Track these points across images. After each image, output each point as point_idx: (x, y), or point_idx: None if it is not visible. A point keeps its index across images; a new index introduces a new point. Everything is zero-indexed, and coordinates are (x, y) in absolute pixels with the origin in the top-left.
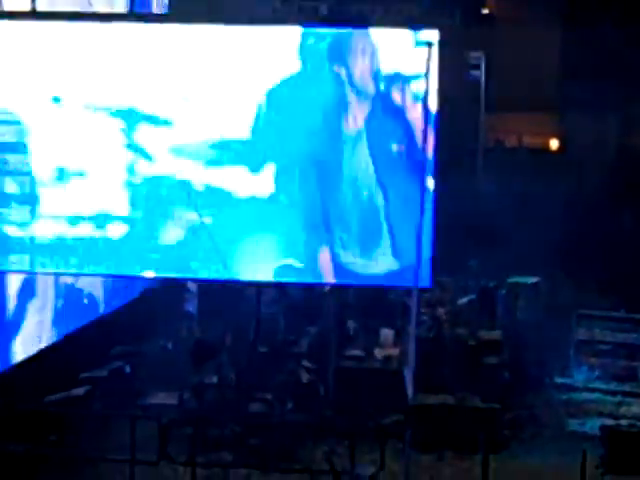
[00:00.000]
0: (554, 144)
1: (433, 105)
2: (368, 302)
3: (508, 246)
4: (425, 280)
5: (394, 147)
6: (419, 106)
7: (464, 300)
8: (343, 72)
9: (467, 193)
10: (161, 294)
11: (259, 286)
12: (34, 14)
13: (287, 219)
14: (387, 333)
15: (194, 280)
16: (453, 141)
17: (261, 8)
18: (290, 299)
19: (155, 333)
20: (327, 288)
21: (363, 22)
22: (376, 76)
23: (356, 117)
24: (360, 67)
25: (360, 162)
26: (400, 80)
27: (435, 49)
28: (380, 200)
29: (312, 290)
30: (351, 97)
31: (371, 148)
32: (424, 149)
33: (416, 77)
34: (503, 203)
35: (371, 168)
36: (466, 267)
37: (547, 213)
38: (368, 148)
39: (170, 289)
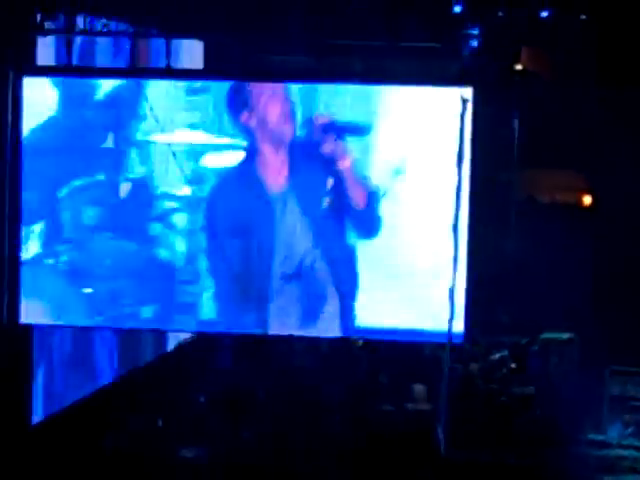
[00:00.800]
0: (587, 200)
1: (467, 161)
2: (401, 357)
3: (541, 302)
4: (458, 336)
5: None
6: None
7: (496, 356)
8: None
9: (500, 248)
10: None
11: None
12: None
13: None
14: (419, 388)
15: (227, 334)
16: (485, 197)
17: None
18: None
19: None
20: (361, 342)
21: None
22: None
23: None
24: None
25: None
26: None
27: (469, 105)
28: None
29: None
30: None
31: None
32: (457, 204)
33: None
34: (536, 259)
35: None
36: (499, 323)
37: (580, 269)
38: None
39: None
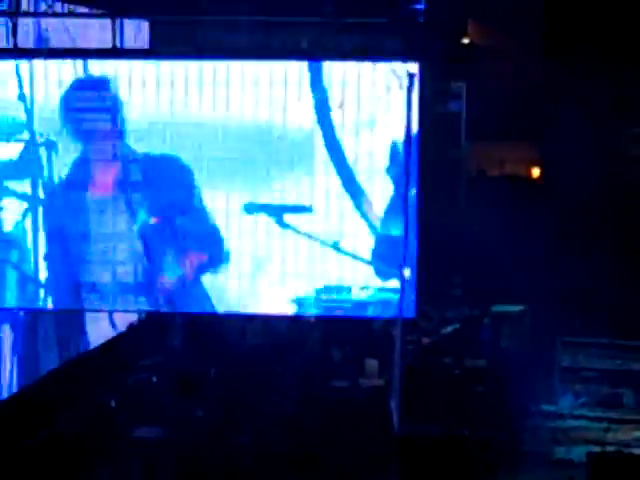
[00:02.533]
0: (535, 173)
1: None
2: (353, 333)
3: (492, 275)
4: (410, 310)
5: None
6: None
7: (449, 329)
8: None
9: (450, 223)
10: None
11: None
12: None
13: None
14: (372, 364)
15: (179, 313)
16: (435, 171)
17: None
18: (275, 330)
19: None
20: (312, 319)
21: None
22: None
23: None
24: None
25: None
26: None
27: (416, 80)
28: None
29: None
30: None
31: None
32: (407, 180)
33: None
34: (486, 232)
35: None
36: (450, 297)
37: (530, 241)
38: None
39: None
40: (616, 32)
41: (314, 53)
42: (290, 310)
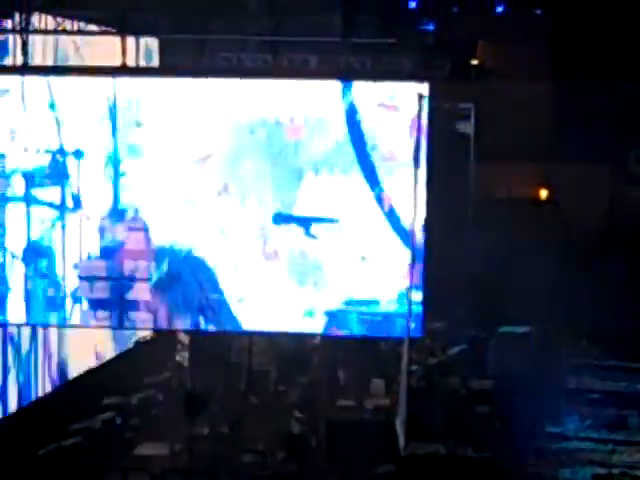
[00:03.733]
0: (543, 194)
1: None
2: (359, 352)
3: (498, 296)
4: (416, 331)
5: None
6: None
7: (455, 350)
8: None
9: (458, 244)
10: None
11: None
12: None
13: None
14: (378, 384)
15: (186, 330)
16: (443, 192)
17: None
18: (281, 349)
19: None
20: (318, 339)
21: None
22: None
23: None
24: None
25: None
26: None
27: (425, 101)
28: None
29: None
30: None
31: None
32: (415, 199)
33: None
34: (493, 253)
35: None
36: (457, 317)
37: (536, 263)
38: None
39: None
40: (624, 54)
41: (323, 73)
42: (320, 323)
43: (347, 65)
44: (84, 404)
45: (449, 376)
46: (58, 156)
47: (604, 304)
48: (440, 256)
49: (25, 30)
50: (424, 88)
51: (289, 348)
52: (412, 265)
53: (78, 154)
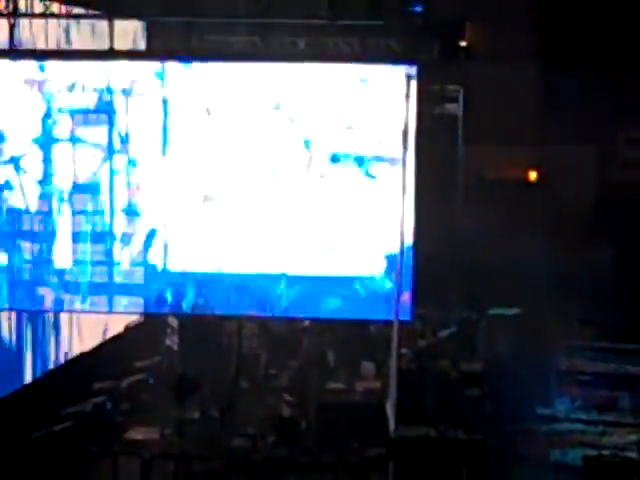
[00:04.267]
0: (532, 176)
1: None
2: (349, 335)
3: (489, 278)
4: (406, 313)
5: None
6: None
7: (445, 332)
8: None
9: (447, 226)
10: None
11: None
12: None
13: None
14: (368, 366)
15: (175, 314)
16: (432, 174)
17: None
18: (271, 333)
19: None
20: (307, 322)
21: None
22: None
23: None
24: None
25: None
26: None
27: (413, 83)
28: None
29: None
30: None
31: None
32: (404, 182)
33: None
34: (483, 235)
35: None
36: (447, 300)
37: (526, 245)
38: None
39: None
40: (613, 36)
41: (312, 55)
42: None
43: (335, 47)
44: (75, 388)
45: (439, 359)
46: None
47: (595, 286)
48: (429, 238)
49: (13, 14)
50: (412, 70)
51: (279, 331)
52: (401, 246)
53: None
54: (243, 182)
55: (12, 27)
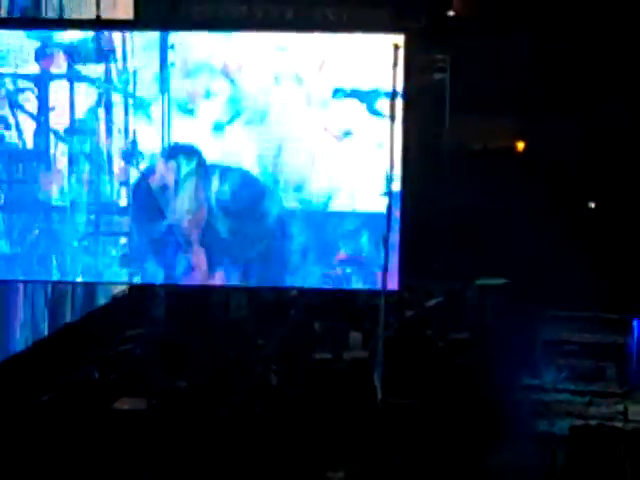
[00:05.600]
0: (519, 146)
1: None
2: (336, 305)
3: (475, 248)
4: (393, 283)
5: None
6: None
7: (432, 302)
8: None
9: (434, 195)
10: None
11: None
12: None
13: None
14: (355, 336)
15: (162, 285)
16: (419, 144)
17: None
18: (258, 302)
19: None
20: (294, 292)
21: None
22: None
23: None
24: None
25: None
26: None
27: (401, 52)
28: None
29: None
30: None
31: None
32: (391, 152)
33: None
34: (470, 204)
35: None
36: (433, 270)
37: (513, 215)
38: None
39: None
40: (600, 8)
41: (299, 24)
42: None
43: (323, 17)
44: (61, 359)
45: (426, 328)
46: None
47: (582, 256)
48: (415, 207)
49: None
50: (400, 39)
51: (266, 301)
52: (388, 216)
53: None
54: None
55: None
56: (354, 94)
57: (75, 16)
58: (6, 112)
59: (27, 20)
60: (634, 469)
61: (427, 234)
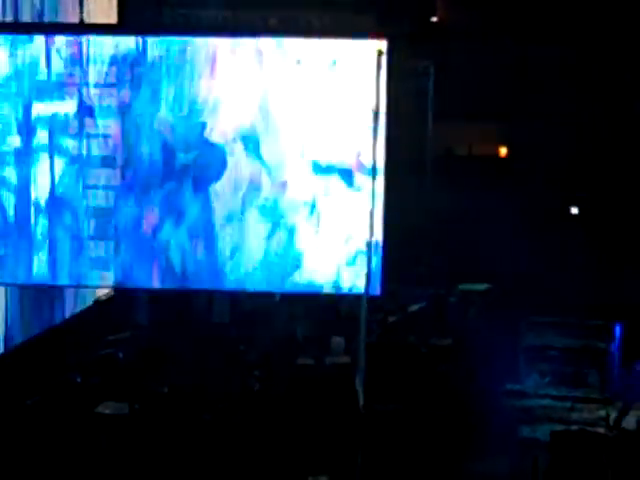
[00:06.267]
0: (502, 152)
1: (382, 114)
2: (319, 310)
3: (458, 253)
4: (375, 288)
5: None
6: None
7: (414, 307)
8: None
9: (417, 201)
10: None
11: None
12: None
13: None
14: (338, 341)
15: (145, 290)
16: (402, 150)
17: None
18: (240, 308)
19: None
20: (277, 297)
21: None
22: None
23: None
24: None
25: None
26: None
27: (384, 58)
28: None
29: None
30: None
31: None
32: (374, 157)
33: None
34: (453, 210)
35: None
36: (416, 275)
37: (496, 221)
38: None
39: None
40: (585, 13)
41: (282, 31)
42: None
43: (307, 23)
44: (44, 363)
45: (409, 334)
46: None
47: (565, 262)
48: (399, 214)
49: None
50: (383, 45)
51: (249, 306)
52: (371, 221)
53: None
54: None
55: None
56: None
57: None
58: None
59: (8, 25)
60: (616, 475)
61: (410, 239)
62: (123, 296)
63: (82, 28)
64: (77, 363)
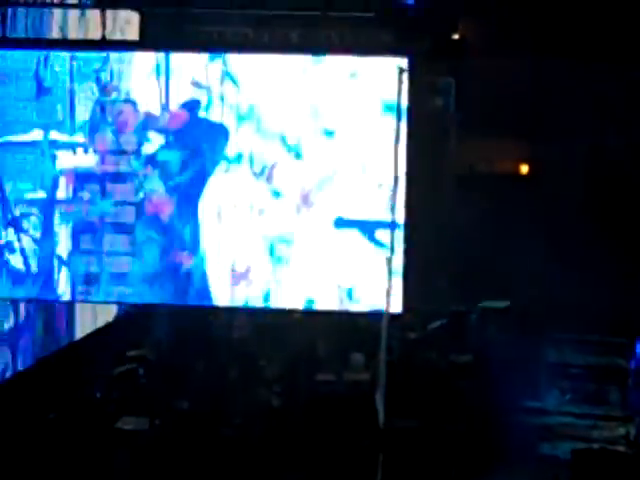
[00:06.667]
0: (524, 170)
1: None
2: (339, 327)
3: (480, 271)
4: (396, 305)
5: None
6: None
7: (435, 324)
8: None
9: (439, 218)
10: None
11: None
12: None
13: None
14: (358, 358)
15: (165, 305)
16: (424, 167)
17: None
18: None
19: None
20: (298, 313)
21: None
22: None
23: None
24: None
25: None
26: None
27: (405, 75)
28: None
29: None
30: None
31: None
32: (396, 175)
33: None
34: (474, 228)
35: None
36: (437, 292)
37: (518, 238)
38: None
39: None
40: (605, 31)
41: (303, 47)
42: None
43: (328, 39)
44: (65, 378)
45: (429, 351)
46: None
47: (586, 279)
48: (421, 231)
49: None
50: (404, 62)
51: (269, 323)
52: (392, 239)
53: None
54: None
55: (3, 16)
56: None
57: None
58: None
59: (30, 40)
60: None
61: (431, 257)
62: (143, 312)
63: (104, 44)
64: (97, 378)
